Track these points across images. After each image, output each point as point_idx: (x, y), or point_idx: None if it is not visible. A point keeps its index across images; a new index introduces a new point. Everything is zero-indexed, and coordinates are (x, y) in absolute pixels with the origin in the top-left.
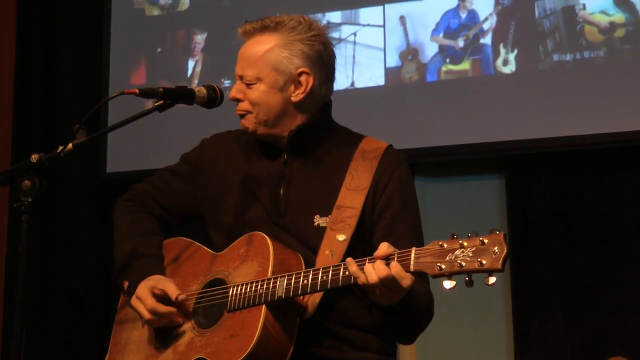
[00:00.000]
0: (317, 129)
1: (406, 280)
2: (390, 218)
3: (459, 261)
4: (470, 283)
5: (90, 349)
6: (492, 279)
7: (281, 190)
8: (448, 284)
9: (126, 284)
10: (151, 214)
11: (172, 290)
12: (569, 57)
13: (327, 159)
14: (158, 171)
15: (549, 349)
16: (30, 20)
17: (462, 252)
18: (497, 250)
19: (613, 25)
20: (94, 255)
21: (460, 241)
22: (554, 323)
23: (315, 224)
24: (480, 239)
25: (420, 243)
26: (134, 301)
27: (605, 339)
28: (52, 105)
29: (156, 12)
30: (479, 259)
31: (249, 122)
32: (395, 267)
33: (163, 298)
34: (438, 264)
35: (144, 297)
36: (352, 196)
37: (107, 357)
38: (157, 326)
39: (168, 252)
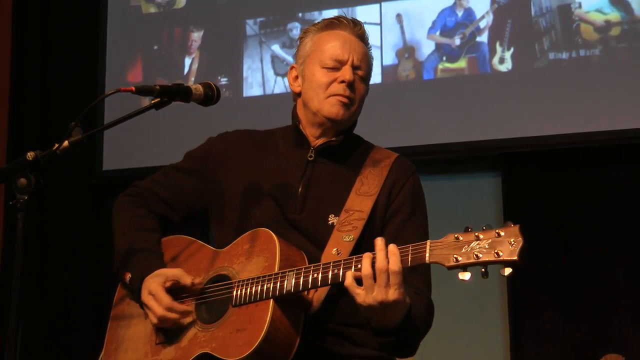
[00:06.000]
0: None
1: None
2: (399, 223)
3: (475, 253)
4: (485, 274)
5: (86, 346)
6: (508, 270)
7: (300, 188)
8: (466, 276)
9: (128, 275)
10: (152, 212)
11: (185, 277)
12: (564, 55)
13: (343, 162)
14: (161, 169)
15: (545, 347)
16: (27, 17)
17: (478, 244)
18: (513, 242)
19: (608, 24)
20: (90, 253)
21: (476, 233)
22: (550, 321)
23: (330, 222)
24: (497, 231)
25: None
26: (146, 297)
27: (600, 337)
28: (48, 103)
29: (153, 10)
30: (495, 251)
31: (347, 112)
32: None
33: (174, 291)
34: (454, 256)
35: (158, 294)
36: (361, 201)
37: (102, 354)
38: (165, 326)
39: (167, 250)
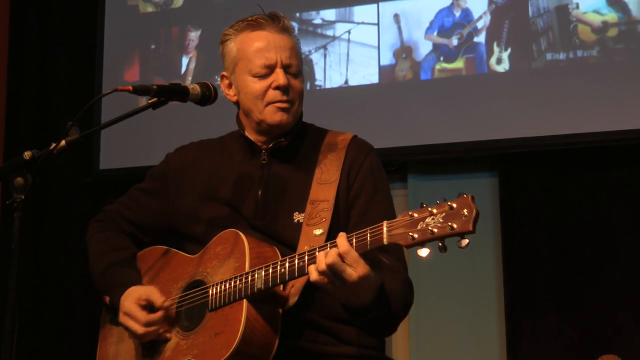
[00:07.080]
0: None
1: (357, 267)
2: (363, 204)
3: (430, 228)
4: (443, 248)
5: (82, 347)
6: (465, 242)
7: (259, 193)
8: (423, 252)
9: (107, 299)
10: (122, 231)
11: (157, 298)
12: (562, 56)
13: (298, 156)
14: (128, 190)
15: (542, 347)
16: (24, 16)
17: (433, 219)
18: (466, 213)
19: (606, 25)
20: (86, 253)
21: (429, 209)
22: (547, 321)
23: (295, 220)
24: (449, 204)
25: None
26: (123, 318)
27: (598, 337)
28: (46, 102)
29: (150, 9)
30: (449, 224)
31: (291, 115)
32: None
33: (149, 307)
34: (410, 234)
35: (133, 312)
36: (324, 189)
37: None
38: (149, 339)
39: (144, 262)
